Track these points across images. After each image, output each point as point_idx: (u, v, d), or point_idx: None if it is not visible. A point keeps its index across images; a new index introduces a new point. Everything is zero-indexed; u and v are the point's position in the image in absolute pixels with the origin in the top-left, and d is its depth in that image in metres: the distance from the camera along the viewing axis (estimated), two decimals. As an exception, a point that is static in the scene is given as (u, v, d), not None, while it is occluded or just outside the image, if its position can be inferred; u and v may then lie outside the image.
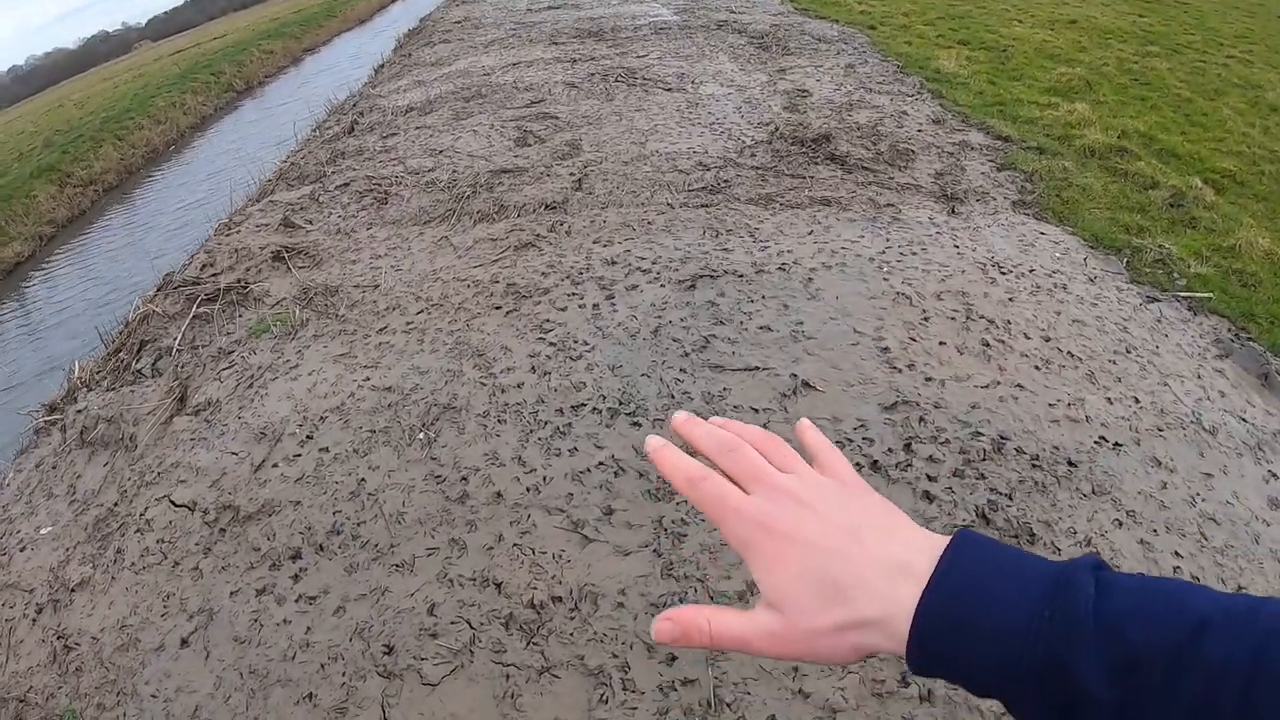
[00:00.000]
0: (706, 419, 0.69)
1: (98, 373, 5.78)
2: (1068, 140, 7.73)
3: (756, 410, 3.95)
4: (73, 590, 3.78)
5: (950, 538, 0.56)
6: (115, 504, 4.25)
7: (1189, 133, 8.31)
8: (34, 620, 3.70)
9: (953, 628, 0.52)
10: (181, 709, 3.12)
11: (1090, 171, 6.97)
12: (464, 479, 3.78)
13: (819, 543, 0.57)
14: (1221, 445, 3.85)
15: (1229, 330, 4.80)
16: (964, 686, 0.53)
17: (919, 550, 0.56)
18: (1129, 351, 4.45)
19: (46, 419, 5.38)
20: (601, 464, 3.74)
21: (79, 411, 5.17)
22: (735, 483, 0.62)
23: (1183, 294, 5.12)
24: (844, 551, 0.57)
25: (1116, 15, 14.14)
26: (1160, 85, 9.88)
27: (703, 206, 6.25)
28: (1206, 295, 5.10)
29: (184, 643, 3.36)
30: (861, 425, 3.82)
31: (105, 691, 3.27)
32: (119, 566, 3.82)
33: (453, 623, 3.13)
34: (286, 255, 6.49)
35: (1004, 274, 5.11)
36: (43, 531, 4.26)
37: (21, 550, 4.16)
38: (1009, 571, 0.53)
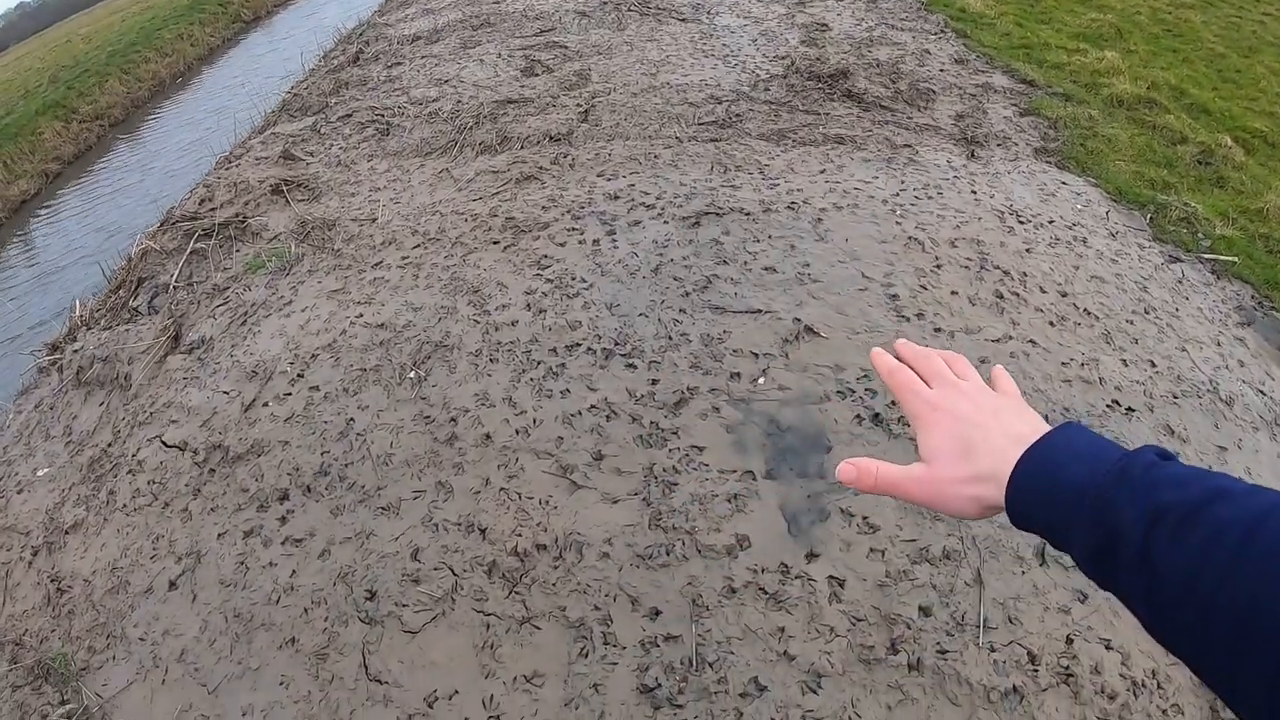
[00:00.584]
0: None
1: (97, 311, 5.72)
2: (1095, 88, 7.41)
3: (756, 354, 3.80)
4: (66, 532, 3.76)
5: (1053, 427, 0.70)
6: (109, 445, 4.21)
7: (1221, 89, 7.96)
8: (30, 563, 3.69)
9: (1039, 479, 0.66)
10: (168, 652, 3.09)
11: (1117, 122, 6.69)
12: (453, 420, 3.68)
13: (967, 418, 0.75)
14: (1238, 418, 3.68)
15: (1252, 298, 4.61)
16: (1044, 535, 0.66)
17: (1035, 429, 0.71)
18: (1148, 313, 4.26)
19: (48, 359, 5.33)
20: (594, 407, 3.61)
21: (75, 351, 5.11)
22: (924, 380, 0.82)
23: (1207, 256, 4.91)
24: (983, 425, 0.74)
25: (1152, -38, 13.61)
26: (1193, 37, 9.43)
27: (712, 141, 6.03)
28: (1231, 259, 4.90)
29: (172, 585, 3.33)
30: (865, 375, 3.66)
31: (96, 635, 3.25)
32: (111, 508, 3.79)
33: (435, 569, 3.05)
34: (285, 188, 6.35)
35: (1022, 224, 4.90)
36: (39, 473, 4.24)
37: (19, 493, 4.15)
38: (1091, 445, 0.66)
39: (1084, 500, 0.61)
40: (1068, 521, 0.62)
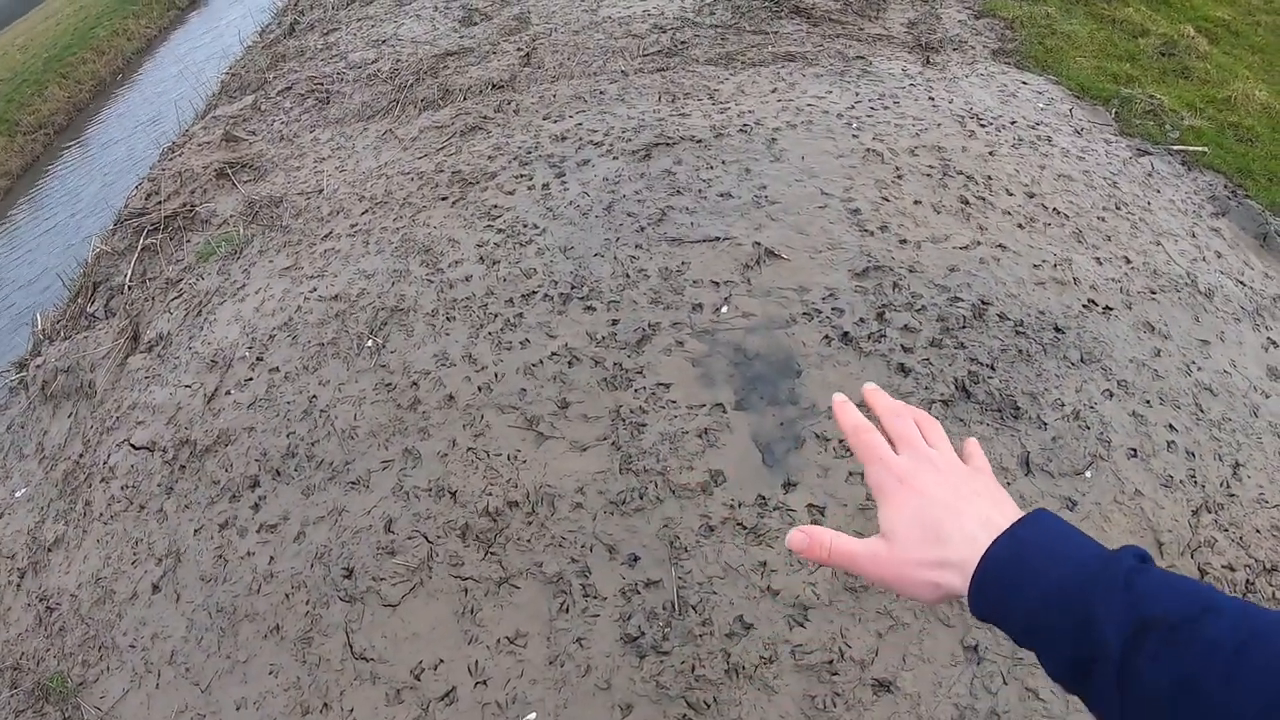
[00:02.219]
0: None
1: (59, 321, 5.62)
2: None
3: (718, 284, 3.70)
4: (49, 550, 3.70)
5: (1024, 515, 0.66)
6: (81, 455, 4.14)
7: None
8: (18, 586, 3.64)
9: (1010, 573, 0.62)
10: (159, 656, 3.06)
11: (1075, 18, 6.59)
12: (414, 384, 3.59)
13: (937, 497, 0.70)
14: (1218, 310, 3.62)
15: (1225, 187, 4.53)
16: (1010, 631, 0.62)
17: (1007, 516, 0.66)
18: (1119, 208, 4.18)
19: (16, 376, 5.23)
20: (554, 354, 3.52)
21: (39, 366, 5.01)
22: (890, 443, 0.76)
23: (1176, 148, 4.83)
24: (954, 509, 0.68)
25: None
26: None
27: (659, 71, 5.87)
28: (1201, 149, 4.82)
29: (155, 588, 3.29)
30: (830, 294, 3.57)
31: (88, 648, 3.21)
32: (89, 519, 3.74)
33: (409, 538, 2.99)
34: (230, 171, 6.19)
35: (983, 127, 4.78)
36: (18, 494, 4.18)
37: (0, 516, 4.08)
38: (1067, 542, 0.62)
39: (1059, 605, 0.58)
40: (1039, 625, 0.59)
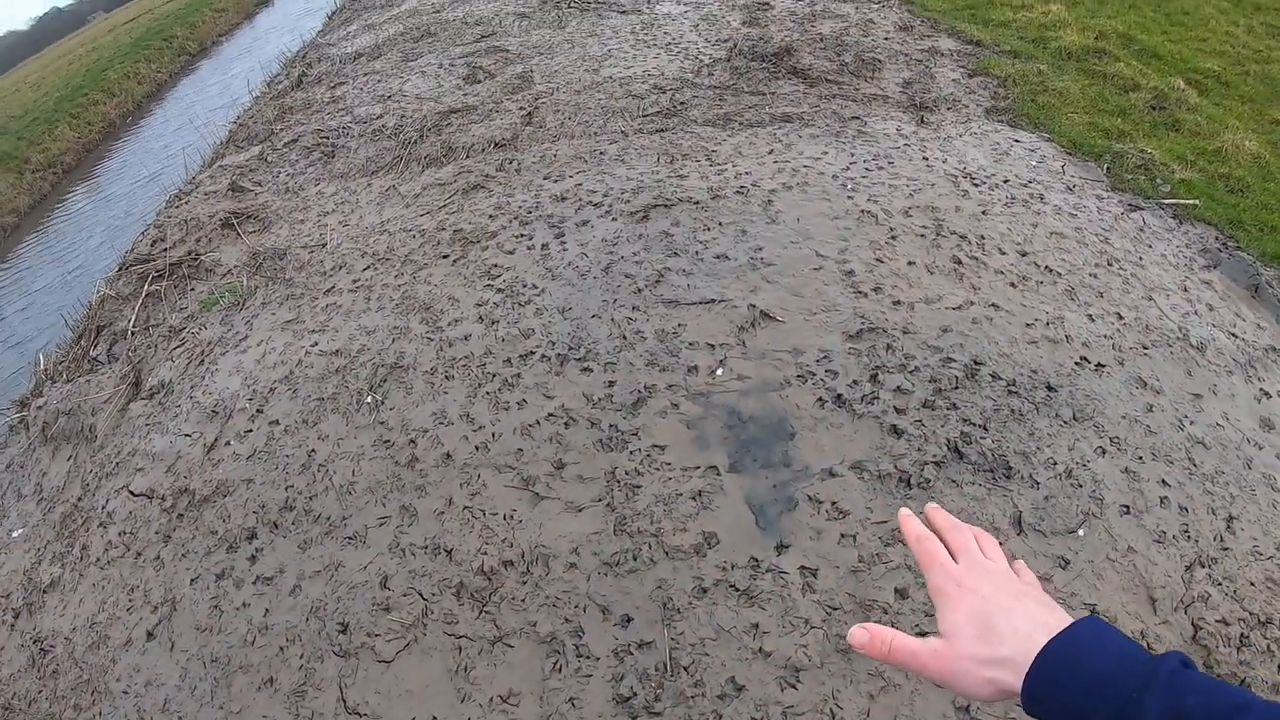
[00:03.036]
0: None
1: (61, 363, 5.67)
2: (1043, 43, 7.43)
3: (713, 346, 3.78)
4: (45, 591, 3.72)
5: (1078, 619, 0.71)
6: (79, 499, 4.17)
7: (1170, 32, 7.97)
8: (12, 626, 3.65)
9: (1064, 669, 0.67)
10: (152, 703, 3.07)
11: (1067, 75, 6.71)
12: (412, 442, 3.65)
13: (991, 599, 0.76)
14: (1210, 363, 3.66)
15: (1216, 239, 4.58)
16: None
17: (1060, 620, 0.72)
18: (1111, 264, 4.24)
19: (17, 415, 5.27)
20: (551, 415, 3.59)
21: (40, 408, 5.06)
22: (950, 552, 0.83)
23: (1167, 201, 4.89)
24: (1006, 608, 0.74)
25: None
26: None
27: (658, 132, 6.00)
28: (1192, 202, 4.88)
29: (150, 635, 3.30)
30: (824, 357, 3.64)
31: (81, 692, 3.22)
32: (85, 563, 3.76)
33: (405, 595, 3.03)
34: (235, 221, 6.29)
35: (976, 186, 4.88)
36: (14, 534, 4.20)
37: (-3, 556, 4.09)
38: (1117, 643, 0.67)
39: (1109, 698, 0.63)
40: (1089, 715, 0.64)
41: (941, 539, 0.85)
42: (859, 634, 0.78)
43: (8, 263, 12.50)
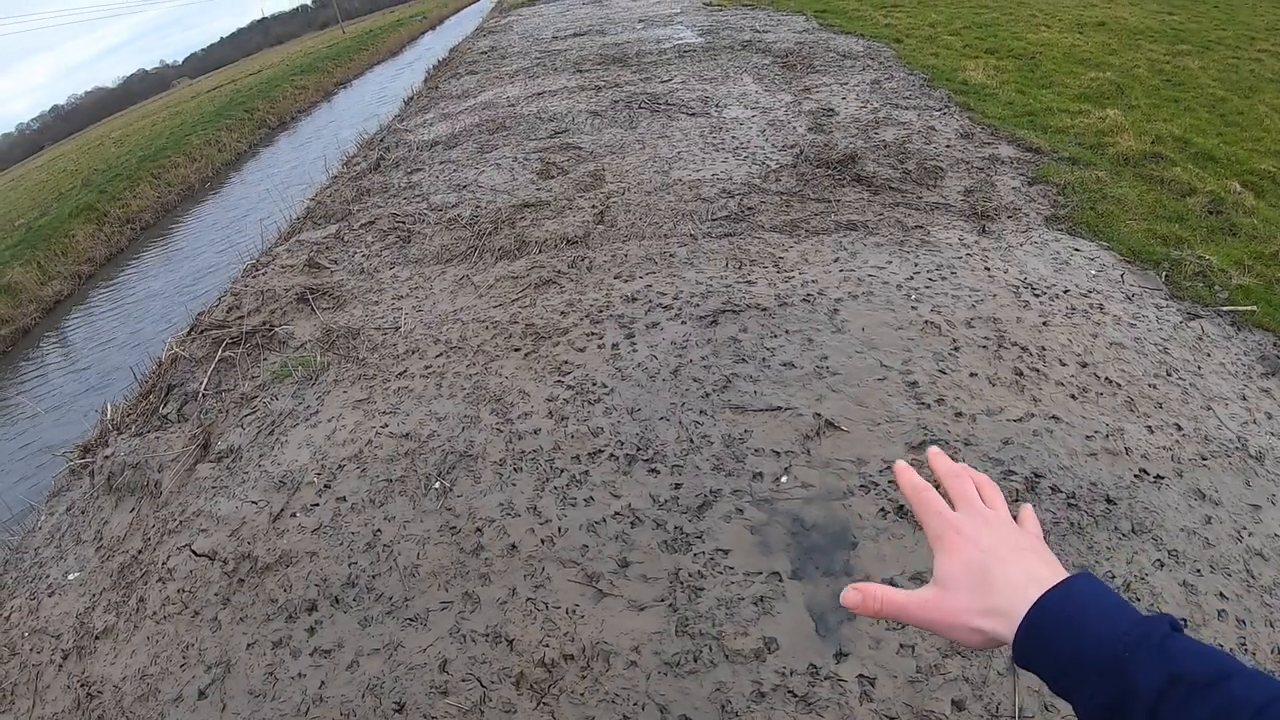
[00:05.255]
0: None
1: (128, 415, 5.83)
2: (1101, 149, 7.54)
3: (778, 453, 3.86)
4: (97, 637, 3.78)
5: (1070, 575, 0.72)
6: (139, 551, 4.25)
7: (1225, 133, 8.06)
8: (60, 666, 3.70)
9: (1055, 623, 0.68)
10: (197, 764, 3.10)
11: (1125, 181, 6.78)
12: (478, 530, 3.73)
13: (988, 549, 0.76)
14: (1269, 472, 3.63)
15: (1274, 345, 4.55)
16: (1048, 675, 0.68)
17: (1055, 574, 0.73)
18: (1170, 374, 4.25)
19: (79, 461, 5.42)
20: (618, 514, 3.66)
21: (107, 457, 5.20)
22: (951, 501, 0.83)
23: (1225, 308, 4.87)
24: (1003, 559, 0.75)
25: (1145, 14, 13.98)
26: (1193, 85, 9.67)
27: (726, 236, 6.18)
28: (1250, 308, 4.85)
29: (201, 694, 3.34)
30: (887, 466, 3.70)
31: (125, 743, 3.24)
32: (141, 615, 3.82)
33: (464, 680, 3.07)
34: (310, 297, 6.51)
35: (1037, 296, 4.95)
36: (70, 577, 4.28)
37: (50, 595, 4.17)
38: (1109, 602, 0.68)
39: (1101, 654, 0.64)
40: (1079, 671, 0.65)
41: (943, 486, 0.86)
42: (851, 595, 0.78)
43: (75, 314, 12.92)
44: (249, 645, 3.48)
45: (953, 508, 0.82)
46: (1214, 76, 9.98)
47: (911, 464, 0.87)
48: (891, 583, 3.12)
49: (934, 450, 0.91)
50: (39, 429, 9.17)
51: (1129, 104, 8.93)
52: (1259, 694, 0.57)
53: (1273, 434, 3.87)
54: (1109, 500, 3.46)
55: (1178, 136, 7.80)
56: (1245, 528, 3.34)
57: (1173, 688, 0.60)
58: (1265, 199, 6.54)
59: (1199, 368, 4.33)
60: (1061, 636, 0.67)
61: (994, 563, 0.75)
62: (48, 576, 4.32)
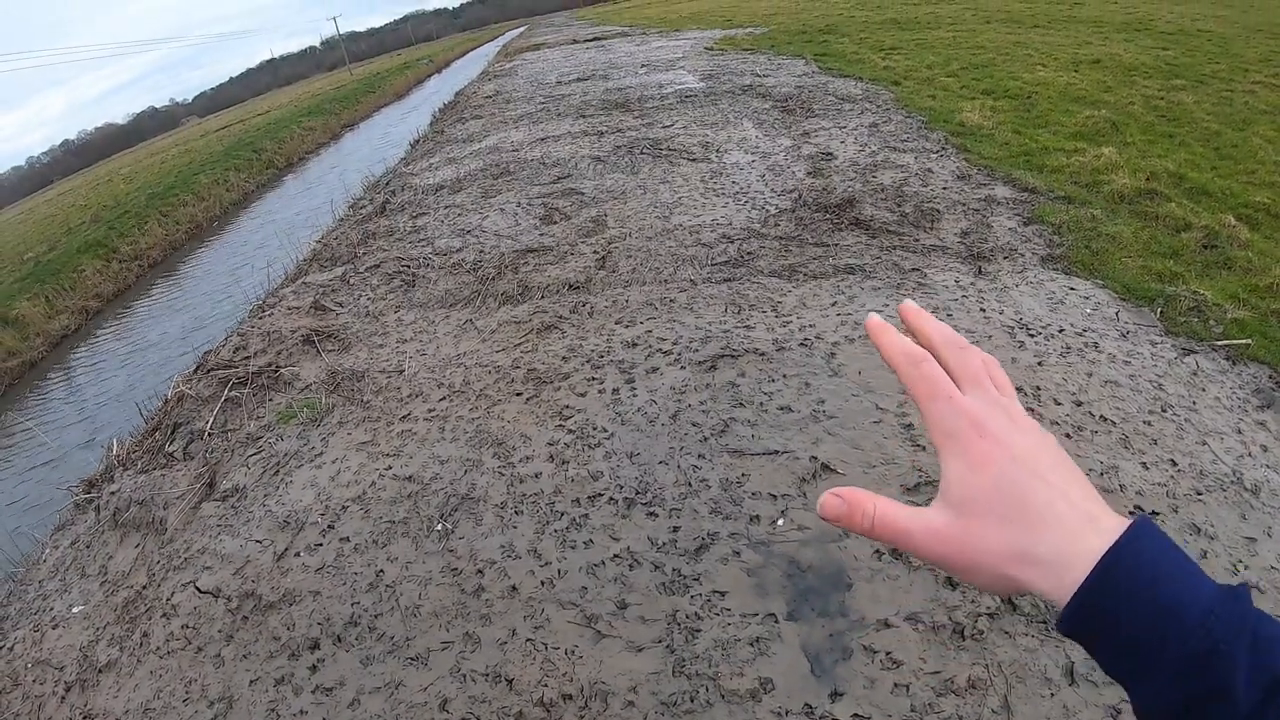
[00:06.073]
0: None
1: (134, 451, 5.90)
2: (1096, 187, 7.64)
3: (775, 496, 3.93)
4: (100, 671, 3.82)
5: (1134, 519, 0.55)
6: (144, 587, 4.30)
7: (1219, 167, 8.15)
8: (63, 698, 3.73)
9: (1126, 591, 0.51)
10: (199, 801, 3.14)
11: (1120, 218, 6.85)
12: (480, 572, 3.79)
13: (1026, 460, 0.57)
14: (1265, 505, 3.66)
15: (1270, 378, 4.58)
16: (1103, 655, 0.53)
17: (1106, 512, 0.55)
18: (1165, 410, 4.30)
19: (84, 496, 5.48)
20: (617, 556, 3.73)
21: (113, 493, 5.26)
22: (953, 379, 0.63)
23: (1220, 343, 4.92)
24: (1046, 479, 0.56)
25: (1140, 50, 14.21)
26: (1187, 120, 9.80)
27: (726, 281, 6.29)
28: (1245, 342, 4.88)
29: (204, 732, 3.39)
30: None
31: (127, 777, 3.27)
32: (145, 650, 3.86)
33: (464, 719, 3.12)
34: (316, 339, 6.61)
35: (1032, 336, 5.02)
36: (74, 610, 4.32)
37: (54, 627, 4.22)
38: (1183, 565, 0.52)
39: (1184, 641, 0.49)
40: (1151, 658, 0.50)
41: (936, 356, 0.66)
42: (831, 502, 0.60)
43: (81, 349, 13.02)
44: (252, 682, 3.53)
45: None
46: (1208, 110, 10.13)
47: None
48: (887, 624, 3.19)
49: (911, 307, 0.71)
50: (45, 460, 9.25)
51: (1124, 141, 9.04)
52: None
53: (1268, 466, 3.91)
54: (1104, 537, 3.49)
55: (1172, 172, 7.90)
56: (1241, 560, 3.38)
57: (1275, 694, 0.47)
58: (1260, 231, 6.60)
59: (1194, 403, 4.37)
60: (1131, 611, 0.51)
61: (1035, 485, 0.56)
62: (51, 609, 4.37)
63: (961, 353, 0.65)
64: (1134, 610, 0.50)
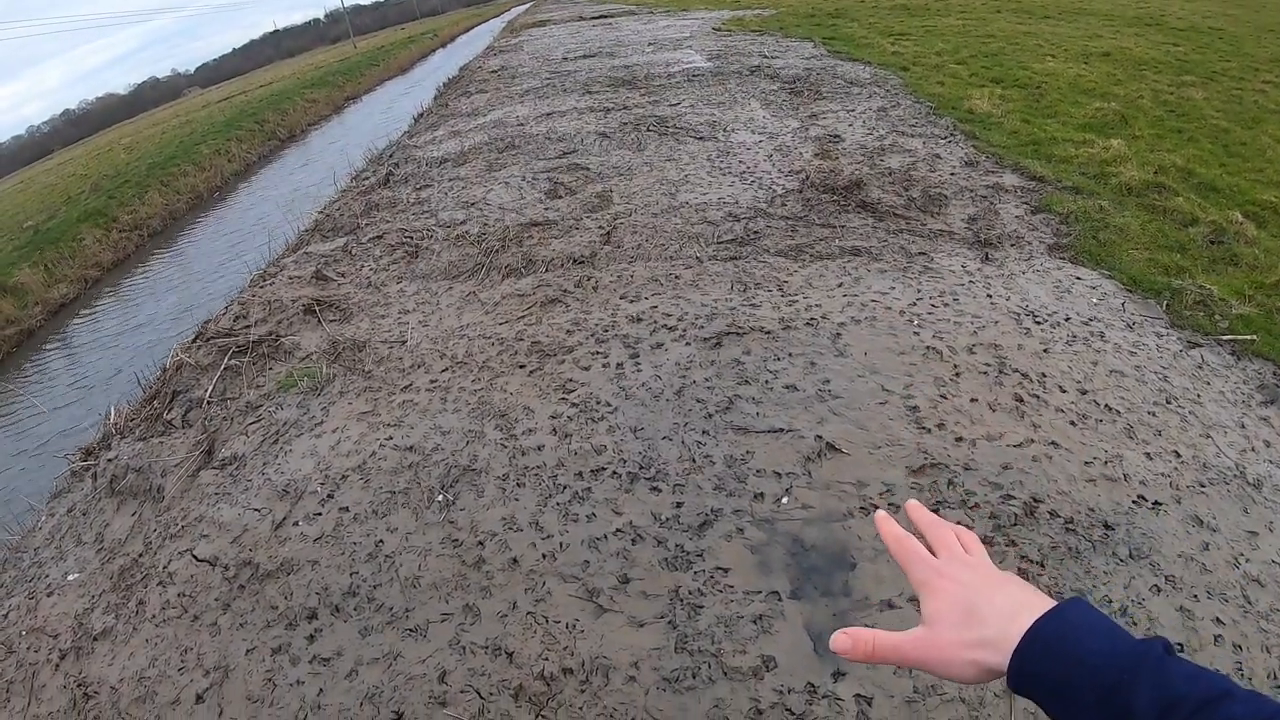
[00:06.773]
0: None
1: (132, 420, 5.85)
2: (1104, 178, 7.59)
3: (780, 474, 3.89)
4: (95, 638, 3.79)
5: (1065, 600, 0.73)
6: (140, 555, 4.27)
7: (1228, 164, 8.10)
8: (57, 666, 3.71)
9: (1048, 649, 0.68)
10: (194, 768, 3.11)
11: (1127, 210, 6.81)
12: (480, 544, 3.76)
13: (971, 586, 0.78)
14: (1267, 499, 3.64)
15: (1274, 374, 4.57)
16: (1044, 704, 0.69)
17: (1043, 601, 0.74)
18: (1169, 402, 4.27)
19: (81, 463, 5.44)
20: (619, 530, 3.69)
21: (110, 460, 5.22)
22: (931, 549, 0.85)
23: (1225, 337, 4.90)
24: (987, 594, 0.77)
25: (1150, 45, 14.09)
26: (1197, 116, 9.73)
27: (731, 259, 6.24)
28: (1250, 337, 4.87)
29: (199, 698, 3.35)
30: (887, 489, 3.74)
31: (121, 744, 3.24)
32: (140, 618, 3.84)
33: (462, 691, 3.09)
34: (318, 308, 6.56)
35: (1038, 324, 4.99)
36: (70, 578, 4.29)
37: (49, 595, 4.19)
38: (1101, 626, 0.69)
39: (1097, 679, 0.64)
40: (1074, 696, 0.65)
41: (923, 537, 0.87)
42: (841, 640, 0.79)
43: (83, 316, 12.96)
44: (248, 651, 3.50)
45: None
46: (1217, 107, 10.05)
47: (892, 516, 0.90)
48: (890, 604, 3.17)
49: (912, 503, 0.94)
50: (42, 428, 9.21)
51: (1132, 134, 8.97)
52: (1256, 715, 0.58)
53: (1271, 462, 3.89)
54: (1107, 526, 3.48)
55: (1180, 166, 7.85)
56: (1242, 554, 3.36)
57: (1170, 711, 0.60)
58: (1267, 229, 6.58)
59: (1198, 396, 4.35)
60: (1056, 661, 0.67)
61: (979, 596, 0.77)
62: (47, 577, 4.34)
63: (936, 528, 0.88)
64: (1057, 661, 0.67)
